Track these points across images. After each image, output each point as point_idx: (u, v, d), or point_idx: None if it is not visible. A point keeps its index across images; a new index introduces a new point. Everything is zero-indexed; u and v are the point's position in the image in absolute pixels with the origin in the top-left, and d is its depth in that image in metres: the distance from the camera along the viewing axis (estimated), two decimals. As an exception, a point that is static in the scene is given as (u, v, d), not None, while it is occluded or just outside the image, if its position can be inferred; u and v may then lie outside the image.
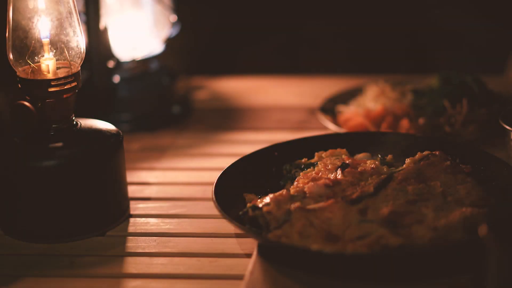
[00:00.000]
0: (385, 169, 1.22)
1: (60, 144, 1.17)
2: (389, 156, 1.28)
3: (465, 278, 1.02)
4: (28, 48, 1.16)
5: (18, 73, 1.17)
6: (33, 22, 1.16)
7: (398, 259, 1.04)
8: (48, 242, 1.17)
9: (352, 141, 1.33)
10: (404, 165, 1.22)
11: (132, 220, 1.25)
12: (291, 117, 1.68)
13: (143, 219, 1.25)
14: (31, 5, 1.16)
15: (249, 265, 1.08)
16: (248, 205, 1.15)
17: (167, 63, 1.73)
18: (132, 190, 1.33)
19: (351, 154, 1.29)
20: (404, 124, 1.48)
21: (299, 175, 1.23)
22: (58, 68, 1.17)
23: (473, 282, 1.00)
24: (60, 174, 1.15)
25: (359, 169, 1.20)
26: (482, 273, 0.91)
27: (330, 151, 1.29)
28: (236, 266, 1.10)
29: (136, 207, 1.29)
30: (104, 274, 1.10)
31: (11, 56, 1.17)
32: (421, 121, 1.49)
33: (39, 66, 1.17)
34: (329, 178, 1.18)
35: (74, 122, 1.20)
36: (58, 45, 1.17)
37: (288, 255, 1.08)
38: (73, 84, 1.17)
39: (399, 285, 1.03)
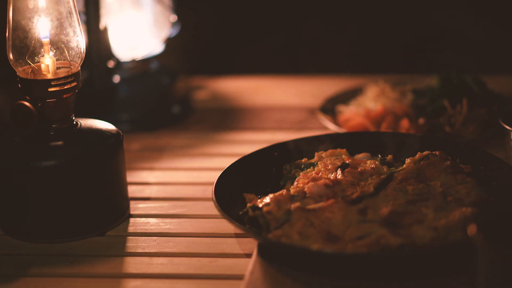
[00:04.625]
0: (385, 169, 1.22)
1: (60, 144, 1.17)
2: (389, 156, 1.28)
3: (465, 278, 1.02)
4: (28, 48, 1.16)
5: (18, 73, 1.17)
6: (33, 22, 1.16)
7: (398, 259, 1.04)
8: (48, 242, 1.17)
9: (352, 141, 1.33)
10: (404, 165, 1.23)
11: (132, 220, 1.25)
12: (291, 117, 1.68)
13: (143, 219, 1.25)
14: (31, 5, 1.16)
15: (249, 265, 1.08)
16: (248, 205, 1.15)
17: (167, 63, 1.73)
18: (132, 190, 1.33)
19: (351, 154, 1.29)
20: (404, 124, 1.48)
21: (299, 175, 1.23)
22: (58, 68, 1.17)
23: (471, 282, 1.00)
24: (60, 174, 1.15)
25: (359, 169, 1.20)
26: (472, 272, 0.91)
27: (330, 151, 1.29)
28: (236, 266, 1.10)
29: (136, 207, 1.29)
30: (104, 274, 1.10)
31: (11, 56, 1.17)
32: (421, 121, 1.49)
33: (39, 66, 1.17)
34: (329, 178, 1.18)
35: (74, 122, 1.20)
36: (58, 45, 1.17)
37: (288, 255, 1.08)
38: (73, 84, 1.17)
39: (399, 285, 1.03)
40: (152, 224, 1.23)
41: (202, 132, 1.62)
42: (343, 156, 1.27)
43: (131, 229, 1.22)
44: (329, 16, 2.20)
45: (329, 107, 1.63)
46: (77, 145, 1.17)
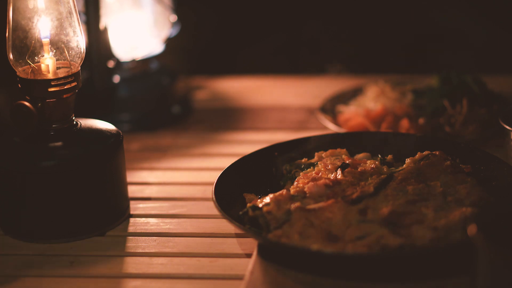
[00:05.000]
0: (385, 169, 1.22)
1: (60, 144, 1.17)
2: (389, 156, 1.28)
3: (465, 278, 1.02)
4: (28, 48, 1.16)
5: (18, 73, 1.17)
6: (33, 22, 1.16)
7: (398, 259, 1.04)
8: (48, 242, 1.17)
9: (352, 141, 1.33)
10: (404, 165, 1.23)
11: (132, 220, 1.25)
12: (291, 117, 1.68)
13: (143, 219, 1.25)
14: (31, 5, 1.16)
15: (249, 265, 1.08)
16: (248, 205, 1.15)
17: (167, 63, 1.73)
18: (132, 190, 1.33)
19: (351, 154, 1.29)
20: (404, 124, 1.48)
21: (299, 175, 1.23)
22: (58, 68, 1.17)
23: (471, 282, 1.00)
24: (60, 174, 1.15)
25: (359, 169, 1.20)
26: (472, 272, 0.91)
27: (330, 151, 1.29)
28: (236, 266, 1.10)
29: (136, 207, 1.29)
30: (104, 274, 1.10)
31: (11, 56, 1.17)
32: (421, 121, 1.49)
33: (39, 66, 1.17)
34: (329, 178, 1.18)
35: (74, 122, 1.20)
36: (58, 45, 1.17)
37: (288, 255, 1.08)
38: (73, 84, 1.17)
39: (399, 285, 1.03)
40: (152, 224, 1.23)
41: (202, 132, 1.62)
42: (343, 156, 1.27)
43: (131, 229, 1.22)
44: (329, 16, 2.20)
45: (329, 107, 1.63)
46: (77, 145, 1.17)
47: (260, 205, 1.13)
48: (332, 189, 1.15)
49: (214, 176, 1.22)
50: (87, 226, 1.18)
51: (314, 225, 1.08)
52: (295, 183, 1.20)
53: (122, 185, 1.23)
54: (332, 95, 1.68)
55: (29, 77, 1.16)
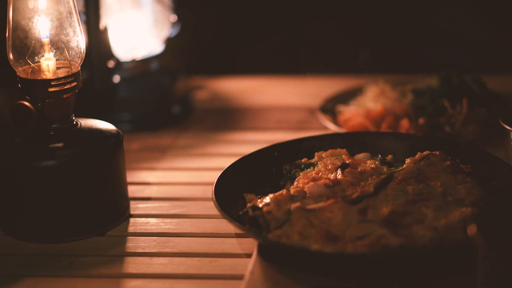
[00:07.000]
0: (385, 169, 1.22)
1: (60, 144, 1.17)
2: (389, 156, 1.28)
3: (465, 278, 1.02)
4: (28, 48, 1.16)
5: (18, 73, 1.17)
6: (33, 22, 1.16)
7: (398, 259, 1.04)
8: (48, 242, 1.17)
9: (352, 141, 1.33)
10: (404, 165, 1.23)
11: (132, 220, 1.25)
12: (291, 117, 1.68)
13: (143, 219, 1.25)
14: (31, 5, 1.16)
15: (249, 265, 1.08)
16: (248, 205, 1.15)
17: (167, 63, 1.73)
18: (132, 190, 1.33)
19: (351, 154, 1.29)
20: (404, 124, 1.48)
21: (299, 175, 1.23)
22: (58, 68, 1.17)
23: (471, 282, 1.00)
24: (60, 174, 1.15)
25: (359, 169, 1.20)
26: (472, 272, 0.91)
27: (330, 151, 1.29)
28: (236, 266, 1.10)
29: (136, 207, 1.29)
30: (104, 274, 1.10)
31: (11, 56, 1.17)
32: (421, 121, 1.49)
33: (39, 66, 1.17)
34: (329, 178, 1.18)
35: (74, 122, 1.20)
36: (58, 45, 1.17)
37: (288, 255, 1.08)
38: (73, 84, 1.17)
39: (399, 285, 1.03)
40: (152, 224, 1.23)
41: (202, 132, 1.62)
42: (343, 156, 1.27)
43: (131, 229, 1.22)
44: (329, 16, 2.20)
45: (329, 107, 1.63)
46: (77, 145, 1.17)
47: (260, 205, 1.13)
48: (332, 189, 1.15)
49: (214, 176, 1.22)
50: (87, 226, 1.18)
51: (314, 225, 1.08)
52: (295, 183, 1.20)
53: (122, 185, 1.23)
54: (332, 95, 1.69)
55: (29, 77, 1.16)
